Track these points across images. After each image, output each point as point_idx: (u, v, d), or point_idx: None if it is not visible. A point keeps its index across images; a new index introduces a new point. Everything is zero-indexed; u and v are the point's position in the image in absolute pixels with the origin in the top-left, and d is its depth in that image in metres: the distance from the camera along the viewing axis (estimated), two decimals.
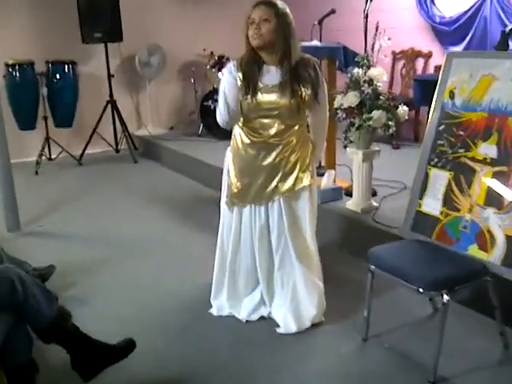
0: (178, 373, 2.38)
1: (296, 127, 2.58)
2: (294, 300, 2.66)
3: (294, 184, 2.58)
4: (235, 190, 2.67)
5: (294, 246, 2.63)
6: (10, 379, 1.94)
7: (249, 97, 2.48)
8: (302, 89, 2.49)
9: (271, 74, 2.52)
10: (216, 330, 2.68)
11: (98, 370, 2.12)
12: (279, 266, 2.66)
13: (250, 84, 2.49)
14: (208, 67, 6.38)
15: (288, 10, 2.53)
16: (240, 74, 2.52)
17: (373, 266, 2.44)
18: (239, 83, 2.50)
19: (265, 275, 2.69)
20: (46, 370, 2.22)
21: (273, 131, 2.54)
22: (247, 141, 2.61)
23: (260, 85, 2.50)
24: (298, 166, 2.59)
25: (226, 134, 6.61)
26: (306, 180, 2.60)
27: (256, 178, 2.61)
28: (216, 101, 6.12)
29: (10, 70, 5.63)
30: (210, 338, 2.61)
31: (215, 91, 6.12)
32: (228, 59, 6.24)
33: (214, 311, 2.80)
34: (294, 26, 2.55)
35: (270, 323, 2.70)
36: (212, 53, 6.41)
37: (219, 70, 6.23)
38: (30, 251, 3.54)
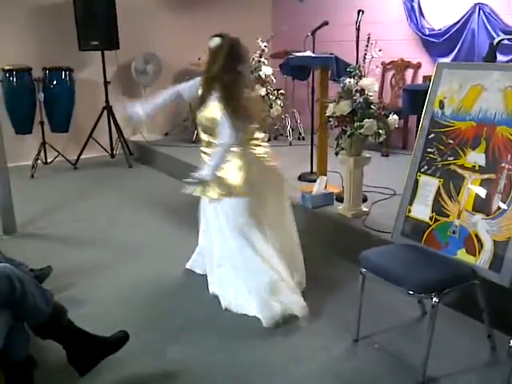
0: (171, 370, 2.43)
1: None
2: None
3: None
4: None
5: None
6: (9, 377, 1.97)
7: None
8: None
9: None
10: (209, 331, 2.74)
11: (93, 363, 2.18)
12: None
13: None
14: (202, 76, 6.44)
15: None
16: None
17: (364, 269, 2.52)
18: None
19: None
20: (44, 366, 2.26)
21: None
22: None
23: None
24: None
25: None
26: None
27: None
28: None
29: (8, 75, 5.67)
30: (204, 338, 2.67)
31: None
32: None
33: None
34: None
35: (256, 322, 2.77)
36: None
37: None
38: (26, 253, 3.57)
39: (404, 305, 2.85)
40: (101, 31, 5.94)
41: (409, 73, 5.86)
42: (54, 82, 5.87)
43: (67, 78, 5.91)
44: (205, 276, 3.17)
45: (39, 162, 5.92)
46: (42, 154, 6.00)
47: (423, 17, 5.60)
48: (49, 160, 6.10)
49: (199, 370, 2.43)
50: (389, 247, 2.70)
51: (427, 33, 5.54)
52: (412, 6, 5.63)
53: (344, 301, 2.96)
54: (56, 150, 6.01)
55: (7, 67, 5.65)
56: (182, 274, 3.41)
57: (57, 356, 2.20)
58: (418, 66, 5.74)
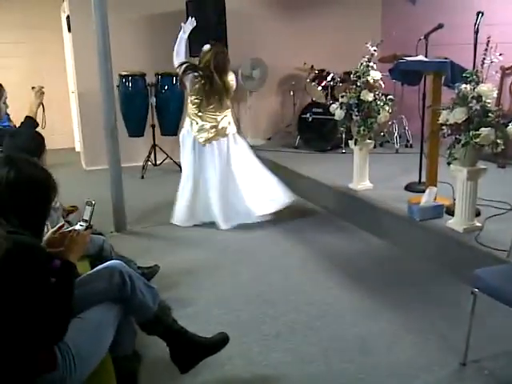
0: (270, 376, 2.42)
1: None
2: None
3: None
4: None
5: None
6: (117, 369, 2.05)
7: None
8: None
9: None
10: (308, 338, 2.70)
11: (194, 362, 2.23)
12: None
13: None
14: (308, 80, 6.45)
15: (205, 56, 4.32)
16: None
17: (476, 289, 2.35)
18: None
19: None
20: (148, 361, 2.36)
21: None
22: None
23: None
24: None
25: (322, 147, 6.66)
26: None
27: None
28: (314, 113, 6.22)
29: (124, 80, 6.04)
30: (303, 346, 2.63)
31: (314, 104, 6.18)
32: (328, 73, 6.28)
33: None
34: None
35: None
36: (312, 66, 6.48)
37: (319, 83, 6.29)
38: (134, 250, 3.76)
39: None
40: (211, 38, 6.10)
41: None
42: (166, 87, 6.15)
43: (178, 83, 6.15)
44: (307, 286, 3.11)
45: (149, 163, 6.22)
46: (152, 156, 6.31)
47: None
48: (158, 162, 6.40)
49: (298, 379, 2.40)
50: (505, 267, 2.51)
51: None
52: None
53: (452, 321, 2.79)
54: (165, 153, 6.29)
55: (124, 73, 6.00)
56: (282, 279, 3.40)
57: (161, 352, 2.27)
58: None
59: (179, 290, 3.27)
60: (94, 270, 2.00)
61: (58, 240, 1.90)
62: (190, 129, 4.38)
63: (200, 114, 4.33)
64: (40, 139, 2.71)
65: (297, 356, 2.56)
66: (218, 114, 4.34)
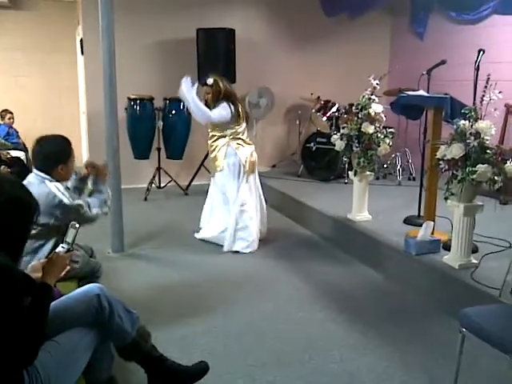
0: None
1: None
2: None
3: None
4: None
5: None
6: None
7: None
8: None
9: None
10: (295, 374, 2.66)
11: None
12: None
13: None
14: (313, 111, 6.50)
15: (216, 80, 4.39)
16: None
17: (464, 329, 2.30)
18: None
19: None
20: None
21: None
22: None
23: None
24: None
25: (325, 176, 6.65)
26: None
27: None
28: (318, 143, 6.25)
29: (132, 103, 6.12)
30: (288, 381, 2.59)
31: (318, 134, 6.22)
32: (334, 104, 6.32)
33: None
34: (219, 89, 4.37)
35: None
36: (319, 97, 6.53)
37: (324, 114, 6.33)
38: (129, 271, 3.75)
39: (510, 373, 2.56)
40: (219, 66, 6.20)
41: None
42: (173, 112, 6.22)
43: (185, 109, 6.21)
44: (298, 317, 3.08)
45: (153, 185, 6.27)
46: (157, 178, 6.35)
47: None
48: (162, 184, 6.45)
49: None
50: (495, 307, 2.47)
51: None
52: None
53: (443, 360, 2.73)
54: (169, 176, 6.34)
55: (132, 96, 6.09)
56: (273, 308, 3.37)
57: (139, 378, 2.25)
58: None
59: (167, 314, 3.24)
60: (73, 293, 1.99)
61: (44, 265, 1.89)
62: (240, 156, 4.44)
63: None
64: (66, 144, 2.68)
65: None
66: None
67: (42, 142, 2.64)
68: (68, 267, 1.94)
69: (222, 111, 4.30)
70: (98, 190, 2.79)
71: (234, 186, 4.42)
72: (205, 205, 4.76)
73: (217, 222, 4.58)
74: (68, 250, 1.98)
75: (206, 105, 4.34)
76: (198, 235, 4.72)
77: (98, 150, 6.19)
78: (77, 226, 2.02)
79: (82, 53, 6.64)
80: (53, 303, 1.80)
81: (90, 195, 2.79)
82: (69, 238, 2.00)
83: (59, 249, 1.97)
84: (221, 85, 4.35)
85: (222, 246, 4.45)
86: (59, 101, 7.81)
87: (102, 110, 4.20)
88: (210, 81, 4.36)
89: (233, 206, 4.42)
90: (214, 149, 4.47)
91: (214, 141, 4.48)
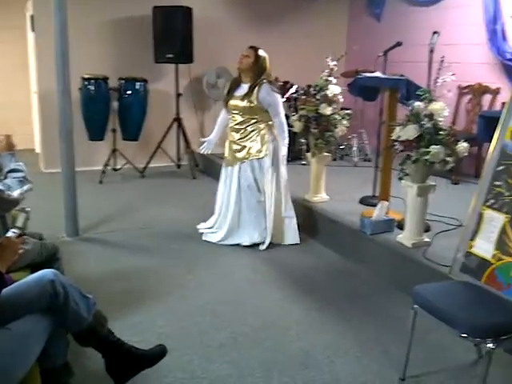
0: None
1: (252, 121, 4.05)
2: None
3: (248, 154, 4.08)
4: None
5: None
6: (45, 381, 1.98)
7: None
8: (251, 99, 4.00)
9: (242, 89, 4.08)
10: (251, 349, 2.69)
11: (130, 375, 2.18)
12: None
13: (228, 94, 4.22)
14: None
15: (265, 56, 4.11)
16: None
17: (416, 305, 2.37)
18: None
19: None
20: (82, 373, 2.31)
21: (238, 121, 4.10)
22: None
23: (234, 94, 4.12)
24: (249, 144, 4.07)
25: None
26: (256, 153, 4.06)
27: (230, 148, 4.20)
28: None
29: (86, 83, 5.94)
30: (244, 361, 2.62)
31: None
32: (292, 85, 6.32)
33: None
34: (266, 67, 4.10)
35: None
36: (277, 78, 6.49)
37: (283, 95, 6.31)
38: (84, 256, 3.68)
39: (459, 346, 2.67)
40: (176, 45, 6.12)
41: (487, 98, 5.57)
42: (129, 92, 6.08)
43: (141, 89, 6.11)
44: (256, 298, 3.11)
45: (109, 168, 6.14)
46: (112, 160, 6.22)
47: (506, 41, 5.32)
48: (118, 167, 6.32)
49: None
50: (445, 283, 2.55)
51: (508, 57, 5.25)
52: (495, 30, 5.36)
53: (395, 336, 2.81)
54: (125, 158, 6.22)
55: (86, 76, 5.92)
56: (231, 290, 3.39)
57: (96, 364, 2.22)
58: (496, 92, 5.44)
59: (125, 297, 3.21)
60: (26, 279, 1.94)
61: None
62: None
63: None
64: None
65: (236, 369, 2.53)
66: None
67: None
68: (20, 250, 1.88)
69: (281, 102, 4.11)
70: (11, 170, 2.50)
71: (278, 173, 4.10)
72: (218, 204, 4.31)
73: (245, 231, 4.15)
74: (19, 236, 1.92)
75: (238, 68, 4.11)
76: (205, 237, 4.27)
77: (51, 131, 6.02)
78: (27, 209, 1.96)
79: (33, 29, 6.38)
80: (5, 290, 1.75)
81: (4, 178, 2.59)
82: (19, 223, 1.94)
83: (10, 233, 1.91)
84: (268, 65, 4.08)
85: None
86: (8, 80, 7.51)
87: (55, 89, 4.06)
88: (261, 52, 4.08)
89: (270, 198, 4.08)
90: (250, 133, 4.05)
91: (251, 124, 4.05)
